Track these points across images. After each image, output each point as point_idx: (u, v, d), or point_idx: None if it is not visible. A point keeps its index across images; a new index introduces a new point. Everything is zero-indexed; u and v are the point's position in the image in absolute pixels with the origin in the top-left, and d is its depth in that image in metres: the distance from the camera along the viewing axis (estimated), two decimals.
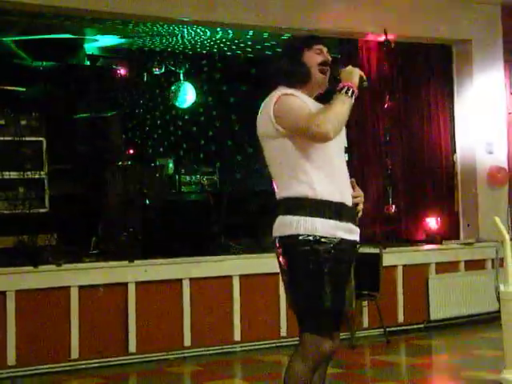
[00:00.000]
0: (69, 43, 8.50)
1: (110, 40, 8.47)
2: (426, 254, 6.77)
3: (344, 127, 2.82)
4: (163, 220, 7.30)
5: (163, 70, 9.35)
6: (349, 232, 2.73)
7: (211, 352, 5.72)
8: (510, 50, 7.39)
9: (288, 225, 2.70)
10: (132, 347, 5.48)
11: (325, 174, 2.71)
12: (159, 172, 8.49)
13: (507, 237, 4.25)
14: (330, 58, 2.88)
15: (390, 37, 6.82)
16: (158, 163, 8.92)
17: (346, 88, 2.70)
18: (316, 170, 2.70)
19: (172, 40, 8.45)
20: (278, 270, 6.10)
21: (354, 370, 5.23)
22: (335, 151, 2.77)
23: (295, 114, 2.68)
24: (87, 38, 8.39)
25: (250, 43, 8.52)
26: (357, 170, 7.33)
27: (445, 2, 7.04)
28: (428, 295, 6.56)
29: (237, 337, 5.84)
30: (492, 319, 6.10)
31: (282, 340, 6.00)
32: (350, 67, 2.81)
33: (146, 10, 6.05)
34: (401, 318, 6.33)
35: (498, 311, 4.25)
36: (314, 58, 2.84)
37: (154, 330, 5.59)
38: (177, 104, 9.58)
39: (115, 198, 7.29)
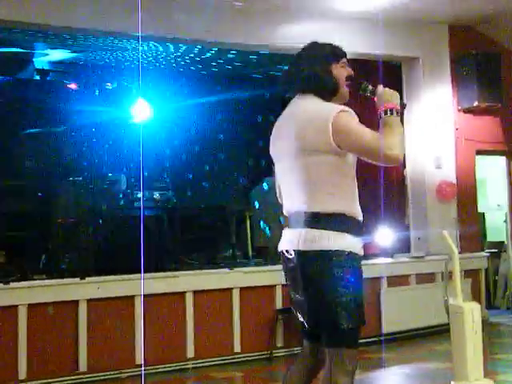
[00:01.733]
0: (18, 57, 8.36)
1: (60, 54, 8.36)
2: (378, 267, 6.85)
3: None
4: (116, 236, 7.20)
5: (116, 84, 9.28)
6: (362, 248, 2.81)
7: (164, 369, 5.65)
8: (457, 68, 7.58)
9: (326, 238, 2.69)
10: (83, 366, 5.38)
11: (353, 192, 2.79)
12: (111, 188, 8.39)
13: (455, 250, 4.33)
14: (353, 73, 2.91)
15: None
16: (110, 179, 8.81)
17: (396, 112, 2.77)
18: (349, 188, 2.77)
19: (125, 55, 8.41)
20: (233, 285, 6.13)
21: None
22: (355, 169, 2.84)
23: (361, 135, 2.68)
24: (37, 52, 8.27)
25: (198, 59, 8.54)
26: None
27: (394, 21, 7.19)
28: (380, 309, 6.63)
29: (190, 353, 5.80)
30: (442, 332, 6.19)
31: (236, 356, 5.98)
32: (386, 89, 2.85)
33: (98, 25, 6.02)
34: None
35: (448, 324, 4.32)
36: (342, 71, 2.87)
37: (106, 349, 5.50)
38: (130, 119, 9.50)
39: (66, 214, 7.17)
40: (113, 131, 10.18)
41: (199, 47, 7.88)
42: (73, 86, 8.93)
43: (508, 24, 7.58)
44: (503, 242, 8.73)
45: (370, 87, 2.87)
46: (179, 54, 8.31)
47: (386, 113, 2.76)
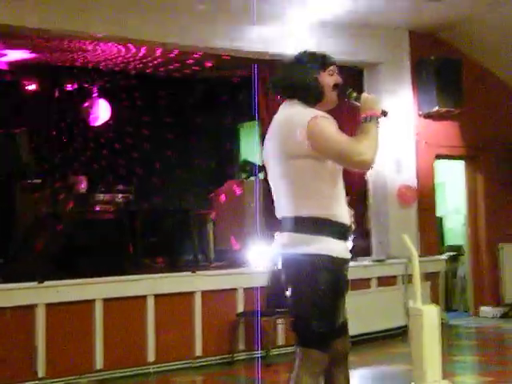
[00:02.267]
0: None
1: (19, 55, 8.22)
2: None
3: None
4: (76, 239, 7.10)
5: (76, 86, 9.17)
6: (348, 251, 2.87)
7: (125, 374, 5.59)
8: (418, 73, 7.69)
9: (305, 243, 2.75)
10: (41, 372, 5.29)
11: (337, 196, 2.84)
12: (72, 190, 8.28)
13: (415, 254, 4.37)
14: (341, 80, 2.96)
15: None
16: (70, 181, 8.69)
17: (376, 118, 2.84)
18: (332, 192, 2.82)
19: (85, 56, 8.31)
20: (194, 289, 6.10)
21: None
22: (340, 174, 2.89)
23: (334, 140, 2.74)
24: None
25: (158, 61, 8.50)
26: (267, 190, 7.38)
27: (356, 27, 7.25)
28: None
29: (151, 358, 5.75)
30: (402, 334, 6.26)
31: (197, 360, 5.95)
32: (369, 96, 2.90)
33: (58, 26, 5.94)
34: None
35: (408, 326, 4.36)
36: (328, 79, 2.92)
37: (64, 353, 5.41)
38: (90, 121, 9.40)
39: (25, 216, 7.04)
40: (73, 133, 10.05)
41: (160, 50, 7.84)
42: (31, 86, 8.79)
43: (467, 30, 7.72)
44: (461, 246, 8.88)
45: (355, 94, 2.93)
46: (140, 55, 8.25)
47: (365, 119, 2.84)
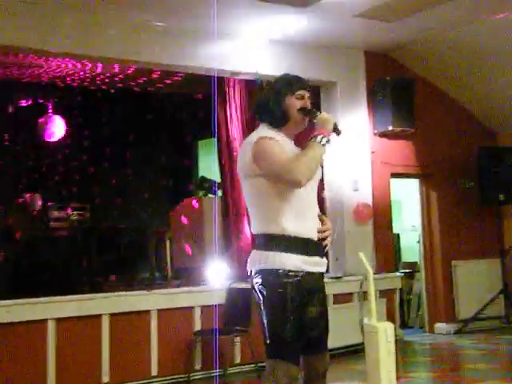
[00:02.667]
0: None
1: None
2: None
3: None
4: (30, 257, 6.98)
5: (31, 102, 9.05)
6: (315, 265, 2.95)
7: None
8: (373, 93, 7.81)
9: (261, 259, 2.91)
10: None
11: (295, 212, 2.91)
12: (26, 207, 8.15)
13: (370, 271, 4.41)
14: (309, 104, 3.06)
15: (263, 76, 7.01)
16: (24, 198, 8.55)
17: (321, 137, 2.91)
18: (287, 208, 2.90)
19: (41, 72, 8.21)
20: (150, 308, 6.05)
21: None
22: (306, 189, 2.95)
23: (272, 159, 2.87)
24: None
25: (115, 78, 8.46)
26: (226, 208, 7.38)
27: (312, 46, 7.34)
28: None
29: (105, 378, 5.65)
30: (358, 351, 6.28)
31: (153, 379, 5.87)
32: (324, 114, 3.00)
33: (13, 42, 5.86)
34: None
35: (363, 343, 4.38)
36: (295, 103, 3.02)
37: (16, 375, 5.28)
38: (45, 137, 9.27)
39: None
40: (27, 149, 9.90)
41: (117, 66, 7.80)
42: None
43: (419, 51, 7.88)
44: (416, 263, 8.99)
45: (318, 114, 3.02)
46: (97, 72, 8.19)
47: (311, 138, 2.93)
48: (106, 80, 8.62)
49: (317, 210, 3.06)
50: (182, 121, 9.92)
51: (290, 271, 2.87)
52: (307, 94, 3.08)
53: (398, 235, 9.54)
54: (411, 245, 9.30)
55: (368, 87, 7.82)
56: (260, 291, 2.91)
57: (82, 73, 8.26)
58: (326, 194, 7.73)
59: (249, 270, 2.99)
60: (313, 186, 3.03)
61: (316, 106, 3.14)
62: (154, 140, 9.97)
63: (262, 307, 2.90)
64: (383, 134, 7.88)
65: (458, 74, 8.17)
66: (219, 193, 8.08)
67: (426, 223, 8.51)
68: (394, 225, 8.20)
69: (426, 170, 8.34)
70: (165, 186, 10.10)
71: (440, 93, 8.54)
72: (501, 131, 8.89)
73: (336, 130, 2.99)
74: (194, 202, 8.18)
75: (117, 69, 7.99)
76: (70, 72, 8.24)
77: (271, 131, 2.99)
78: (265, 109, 3.06)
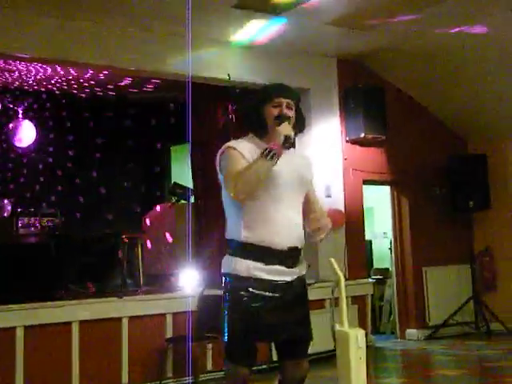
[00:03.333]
0: None
1: None
2: None
3: (308, 162, 3.19)
4: None
5: (0, 107, 8.93)
6: (276, 274, 2.97)
7: None
8: (345, 100, 7.86)
9: (224, 263, 3.05)
10: None
11: (256, 220, 2.96)
12: None
13: (342, 277, 4.42)
14: (288, 111, 3.05)
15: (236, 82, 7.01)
16: None
17: (267, 151, 2.89)
18: (247, 217, 2.96)
19: (10, 76, 8.11)
20: (121, 315, 5.99)
21: None
22: (278, 198, 2.97)
23: (225, 172, 2.98)
24: None
25: (87, 83, 8.40)
26: (202, 214, 7.34)
27: (286, 52, 7.36)
28: None
29: None
30: (330, 358, 6.29)
31: None
32: (278, 128, 2.97)
33: None
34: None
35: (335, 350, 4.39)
36: (271, 111, 3.04)
37: None
38: (15, 142, 9.15)
39: None
40: None
41: (91, 71, 7.75)
42: None
43: (391, 59, 7.96)
44: (388, 269, 9.06)
45: (288, 145, 2.99)
46: (69, 77, 8.12)
47: (263, 152, 2.92)
48: (78, 85, 8.55)
49: (294, 217, 3.05)
50: (154, 126, 9.87)
51: (242, 277, 2.95)
52: (286, 102, 3.05)
53: (370, 242, 9.60)
54: (383, 251, 9.36)
55: (340, 94, 7.88)
56: (223, 294, 3.05)
57: (53, 78, 8.18)
58: None
59: (220, 274, 3.11)
60: (289, 193, 3.03)
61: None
62: (125, 145, 9.90)
63: (223, 310, 3.02)
64: (355, 141, 7.94)
65: (429, 81, 8.26)
66: (192, 199, 8.05)
67: (398, 230, 8.57)
68: (366, 231, 8.25)
69: (397, 176, 8.41)
70: (137, 192, 10.03)
71: (411, 100, 8.63)
72: (471, 139, 9.02)
73: (286, 144, 2.94)
74: (165, 209, 8.13)
75: (89, 74, 7.93)
76: (41, 77, 8.15)
77: (247, 142, 3.03)
78: (246, 119, 3.14)
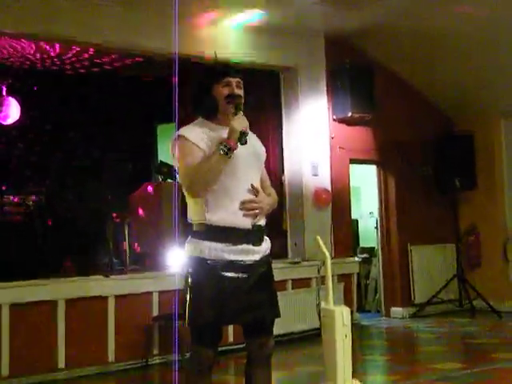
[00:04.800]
0: None
1: None
2: None
3: (256, 137, 3.11)
4: None
5: None
6: (242, 254, 2.94)
7: (33, 381, 5.41)
8: (332, 79, 7.84)
9: (188, 246, 3.01)
10: None
11: (218, 202, 2.93)
12: None
13: (328, 255, 4.44)
14: (238, 90, 3.02)
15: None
16: None
17: (223, 146, 2.86)
18: (209, 199, 2.93)
19: None
20: (108, 293, 5.98)
21: None
22: (238, 178, 2.95)
23: (180, 165, 2.95)
24: None
25: (72, 60, 8.30)
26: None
27: (272, 31, 7.31)
28: None
29: (61, 364, 5.59)
30: (316, 335, 6.34)
31: (110, 365, 5.83)
32: (233, 123, 2.91)
33: None
34: (230, 338, 6.39)
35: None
36: (221, 91, 3.00)
37: None
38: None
39: None
40: None
41: (76, 48, 7.65)
42: None
43: (378, 37, 7.93)
44: (374, 248, 9.11)
45: (244, 140, 2.94)
46: (54, 54, 8.02)
47: (219, 146, 2.89)
48: (64, 61, 8.45)
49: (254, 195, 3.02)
50: (141, 104, 9.80)
51: (208, 260, 2.92)
52: (235, 80, 3.03)
53: (357, 221, 9.63)
54: (369, 230, 9.40)
55: (328, 73, 7.85)
56: (185, 277, 2.99)
57: (38, 54, 8.08)
58: (286, 178, 7.75)
59: (184, 257, 3.08)
60: (248, 172, 3.00)
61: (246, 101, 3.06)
62: (113, 123, 9.83)
63: (187, 292, 2.97)
64: (342, 120, 7.93)
65: (417, 60, 8.25)
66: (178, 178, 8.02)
67: (384, 209, 8.61)
68: (352, 210, 8.27)
69: (383, 156, 8.42)
70: (124, 170, 9.97)
71: (399, 79, 8.62)
72: (458, 118, 9.03)
73: (241, 140, 2.91)
74: (151, 188, 8.10)
75: (74, 50, 7.83)
76: (26, 53, 8.05)
77: (198, 128, 2.99)
78: (195, 100, 3.08)
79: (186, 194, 3.02)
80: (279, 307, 3.10)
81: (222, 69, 3.08)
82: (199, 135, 2.97)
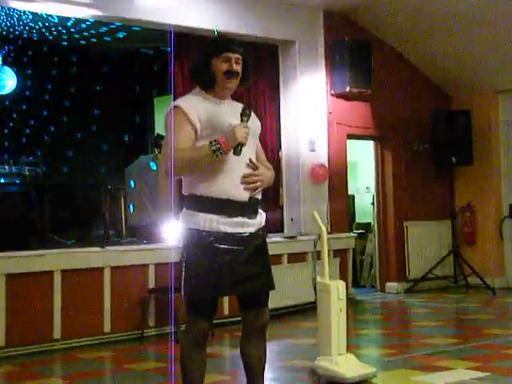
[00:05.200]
0: None
1: None
2: None
3: (256, 120, 3.10)
4: None
5: None
6: (239, 226, 2.96)
7: (29, 351, 5.45)
8: (331, 53, 7.79)
9: (183, 218, 3.02)
10: None
11: (213, 173, 2.93)
12: None
13: (324, 230, 4.46)
14: (237, 67, 3.01)
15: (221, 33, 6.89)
16: None
17: (215, 144, 2.87)
18: (205, 170, 2.92)
19: None
20: (104, 265, 6.00)
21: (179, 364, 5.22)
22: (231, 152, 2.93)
23: (169, 139, 2.91)
24: None
25: (74, 30, 8.22)
26: None
27: (271, 4, 7.25)
28: None
29: (57, 334, 5.62)
30: (311, 309, 6.39)
31: (105, 336, 5.87)
32: (237, 129, 2.90)
33: None
34: (226, 311, 6.43)
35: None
36: (220, 66, 3.00)
37: None
38: None
39: None
40: None
41: (73, 19, 7.57)
42: None
43: (378, 13, 7.87)
44: (370, 224, 9.14)
45: (238, 153, 2.94)
46: (51, 24, 7.94)
47: (212, 142, 2.88)
48: (61, 32, 8.37)
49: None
50: (138, 76, 9.74)
51: (203, 231, 2.93)
52: (235, 57, 3.02)
53: (353, 196, 9.65)
54: (365, 206, 9.42)
55: (326, 48, 7.79)
56: (182, 249, 3.01)
57: (35, 24, 8.00)
58: (283, 153, 7.74)
59: (179, 229, 3.09)
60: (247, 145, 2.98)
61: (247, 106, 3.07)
62: (109, 95, 9.77)
63: (182, 264, 2.98)
64: (340, 95, 7.89)
65: (416, 36, 8.19)
66: None
67: (380, 185, 8.62)
68: (349, 186, 8.28)
69: (381, 131, 8.41)
70: (121, 142, 9.95)
71: (397, 55, 8.57)
72: (456, 95, 9.00)
73: (236, 150, 2.91)
74: (150, 159, 8.07)
75: (71, 21, 7.76)
76: (23, 23, 7.97)
77: (195, 98, 3.01)
78: (194, 71, 3.09)
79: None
80: (273, 280, 3.11)
81: (222, 43, 3.07)
82: (195, 106, 2.97)
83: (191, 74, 3.10)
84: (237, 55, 3.03)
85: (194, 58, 3.14)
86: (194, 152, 2.91)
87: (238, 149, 2.91)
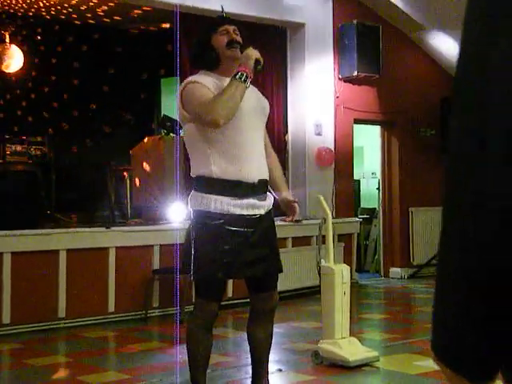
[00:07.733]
0: None
1: None
2: None
3: (265, 100, 3.12)
4: None
5: None
6: (249, 208, 2.93)
7: (33, 329, 5.48)
8: (339, 37, 7.73)
9: (192, 200, 2.98)
10: None
11: (225, 154, 2.91)
12: None
13: (329, 214, 4.46)
14: (237, 36, 3.01)
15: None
16: None
17: (240, 74, 2.84)
18: (215, 151, 2.91)
19: None
20: (109, 245, 6.00)
21: (182, 345, 5.25)
22: (243, 131, 2.93)
23: (195, 103, 2.88)
24: None
25: (76, 10, 8.19)
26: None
27: None
28: None
29: (61, 313, 5.65)
30: (316, 293, 6.40)
31: (110, 316, 5.90)
32: (247, 51, 2.92)
33: None
34: (230, 293, 6.45)
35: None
36: (221, 39, 3.00)
37: None
38: (2, 68, 8.97)
39: None
40: None
41: None
42: None
43: None
44: (375, 209, 9.13)
45: (259, 67, 2.95)
46: (56, 2, 7.90)
47: (235, 75, 2.87)
48: (69, 10, 8.34)
49: (260, 149, 3.03)
50: (146, 57, 9.70)
51: (215, 213, 2.90)
52: (232, 28, 3.04)
53: (359, 181, 9.64)
54: (371, 191, 9.41)
55: (335, 31, 7.74)
56: (191, 231, 2.99)
57: (42, 2, 7.96)
58: (289, 137, 7.72)
59: (188, 210, 3.09)
60: (254, 124, 3.00)
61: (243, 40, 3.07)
62: (116, 75, 9.75)
63: (192, 246, 2.94)
64: (348, 79, 7.85)
65: (426, 21, 8.12)
66: (182, 132, 7.98)
67: (386, 170, 8.60)
68: (354, 171, 8.26)
69: (388, 117, 8.37)
70: (127, 123, 9.93)
71: (407, 40, 8.51)
72: None
73: (258, 66, 2.92)
74: (155, 141, 8.07)
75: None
76: (30, 1, 7.93)
77: (205, 76, 2.99)
78: (196, 55, 3.10)
79: (192, 140, 2.99)
80: (281, 262, 3.13)
81: (218, 19, 3.12)
82: (207, 80, 2.98)
83: (194, 60, 3.14)
84: (234, 26, 3.05)
85: (193, 43, 3.17)
86: (225, 91, 2.85)
87: (258, 65, 2.92)
